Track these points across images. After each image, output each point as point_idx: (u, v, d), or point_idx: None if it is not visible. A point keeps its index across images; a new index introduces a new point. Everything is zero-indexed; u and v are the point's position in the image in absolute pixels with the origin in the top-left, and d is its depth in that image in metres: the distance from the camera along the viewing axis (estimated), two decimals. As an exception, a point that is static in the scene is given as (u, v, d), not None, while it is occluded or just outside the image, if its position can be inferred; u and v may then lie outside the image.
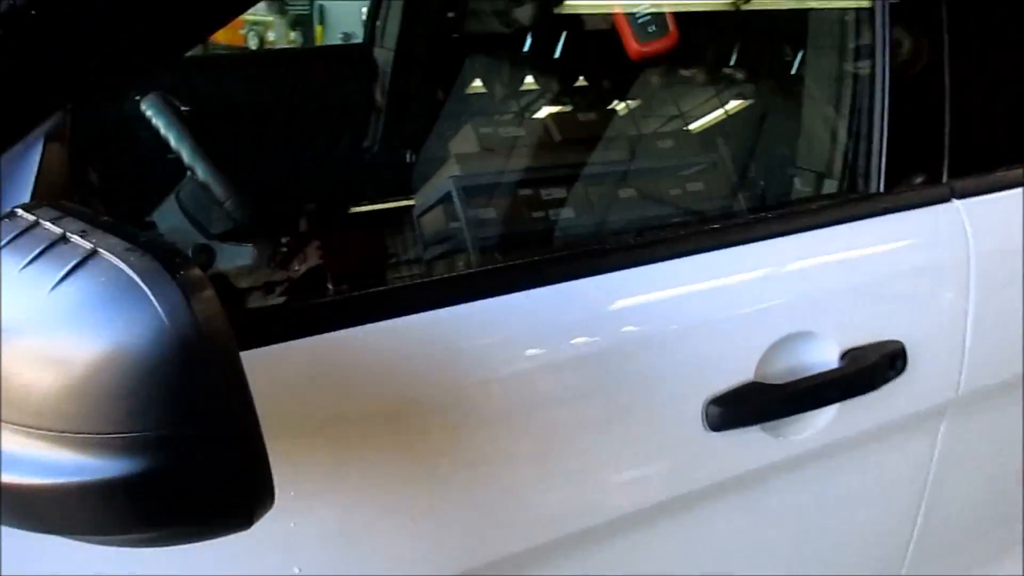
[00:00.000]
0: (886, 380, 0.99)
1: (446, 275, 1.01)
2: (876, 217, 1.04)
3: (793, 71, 1.34)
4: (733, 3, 1.48)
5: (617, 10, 1.13)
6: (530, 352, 0.84)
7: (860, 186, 1.08)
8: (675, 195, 1.25)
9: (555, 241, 1.51)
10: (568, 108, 2.21)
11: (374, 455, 0.77)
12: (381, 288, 0.92)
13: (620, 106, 1.76)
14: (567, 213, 1.62)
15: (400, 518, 0.78)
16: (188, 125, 1.11)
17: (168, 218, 1.25)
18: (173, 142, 1.09)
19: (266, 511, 0.52)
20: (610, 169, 1.37)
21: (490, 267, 0.93)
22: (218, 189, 1.10)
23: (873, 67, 1.06)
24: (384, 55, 2.42)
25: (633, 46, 0.96)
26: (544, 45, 2.29)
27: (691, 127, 1.46)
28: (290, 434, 0.70)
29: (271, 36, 4.38)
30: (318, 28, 4.38)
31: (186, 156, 1.09)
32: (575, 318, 0.87)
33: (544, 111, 2.31)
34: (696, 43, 1.55)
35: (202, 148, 1.11)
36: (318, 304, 0.84)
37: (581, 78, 2.23)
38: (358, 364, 0.76)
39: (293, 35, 4.45)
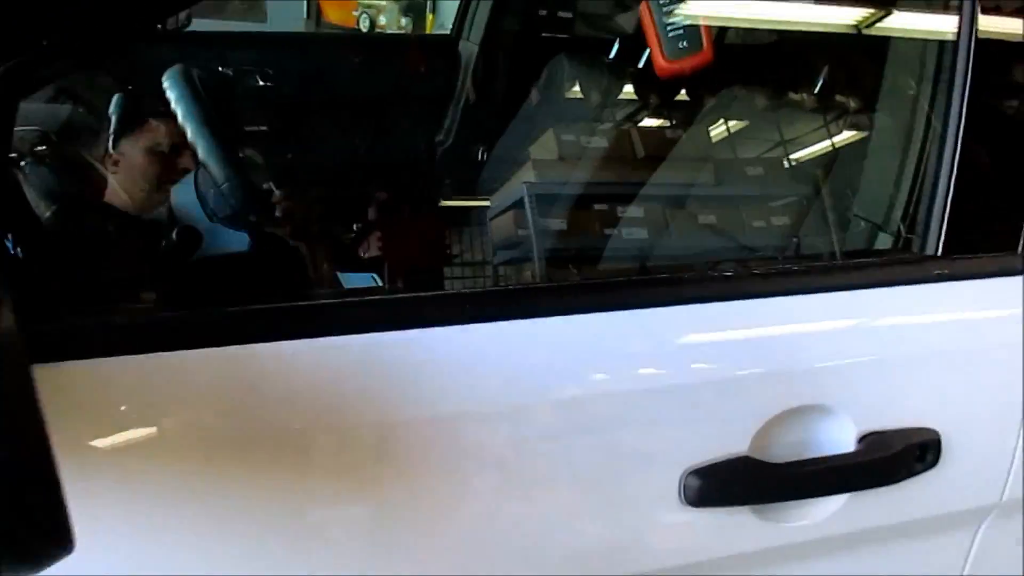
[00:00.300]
0: (911, 473, 0.85)
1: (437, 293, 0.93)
2: (928, 284, 0.90)
3: (867, 106, 1.20)
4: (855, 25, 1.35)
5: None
6: (500, 392, 0.76)
7: (915, 245, 0.93)
8: (707, 231, 1.13)
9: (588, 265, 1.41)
10: (643, 122, 2.09)
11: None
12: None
13: (686, 124, 1.65)
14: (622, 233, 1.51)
15: None
16: (201, 102, 1.07)
17: (183, 195, 1.22)
18: (180, 117, 1.05)
19: (58, 557, 0.45)
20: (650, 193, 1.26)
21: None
22: (216, 171, 1.05)
23: (948, 107, 0.92)
24: (469, 49, 2.36)
25: (660, 62, 0.85)
26: (633, 53, 2.19)
27: (745, 159, 1.34)
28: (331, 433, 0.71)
29: (383, 20, 4.40)
30: (429, 17, 4.37)
31: (190, 132, 1.05)
32: (552, 359, 0.78)
33: (626, 123, 2.20)
34: (768, 68, 1.42)
35: (210, 128, 1.06)
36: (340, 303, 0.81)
37: (667, 91, 2.11)
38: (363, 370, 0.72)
39: (404, 21, 4.46)
